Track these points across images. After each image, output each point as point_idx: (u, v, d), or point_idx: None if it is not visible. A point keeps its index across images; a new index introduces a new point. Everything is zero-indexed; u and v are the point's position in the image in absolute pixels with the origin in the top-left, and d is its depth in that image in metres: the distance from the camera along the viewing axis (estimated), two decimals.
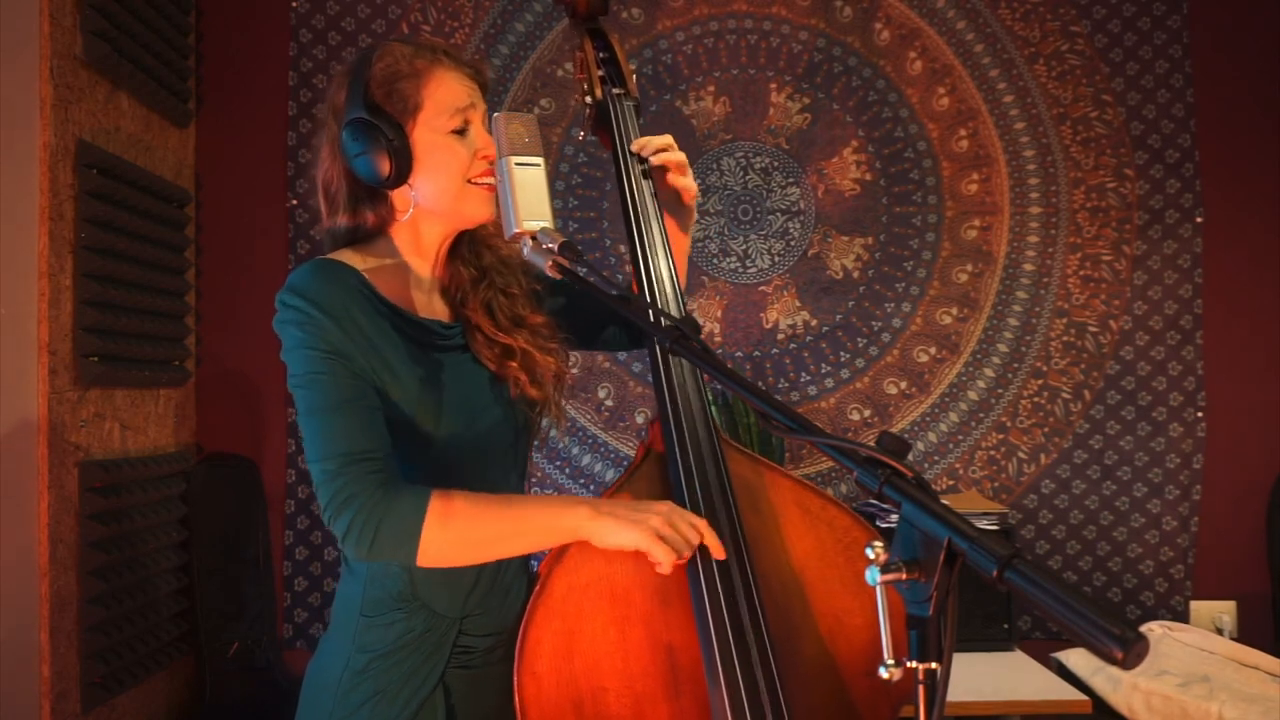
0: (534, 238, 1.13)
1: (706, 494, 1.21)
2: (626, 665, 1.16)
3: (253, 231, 2.81)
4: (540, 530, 1.16)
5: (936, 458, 2.80)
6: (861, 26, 2.84)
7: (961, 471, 2.79)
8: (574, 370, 2.76)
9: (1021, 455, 2.79)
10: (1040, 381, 2.79)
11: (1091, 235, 2.80)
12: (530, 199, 1.15)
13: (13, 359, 2.04)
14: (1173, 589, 2.75)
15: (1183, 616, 2.73)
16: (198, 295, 2.79)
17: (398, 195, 1.26)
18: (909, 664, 0.76)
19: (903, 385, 2.82)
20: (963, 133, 2.83)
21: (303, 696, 1.31)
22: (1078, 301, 2.80)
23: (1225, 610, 2.73)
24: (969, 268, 2.82)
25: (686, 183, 1.39)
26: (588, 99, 1.43)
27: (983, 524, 2.42)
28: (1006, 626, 2.41)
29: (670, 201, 1.41)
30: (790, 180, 2.83)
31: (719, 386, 2.65)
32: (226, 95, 2.82)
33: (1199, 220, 2.80)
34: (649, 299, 1.31)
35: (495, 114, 1.19)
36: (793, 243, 2.83)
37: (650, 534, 1.11)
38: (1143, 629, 2.28)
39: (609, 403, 2.82)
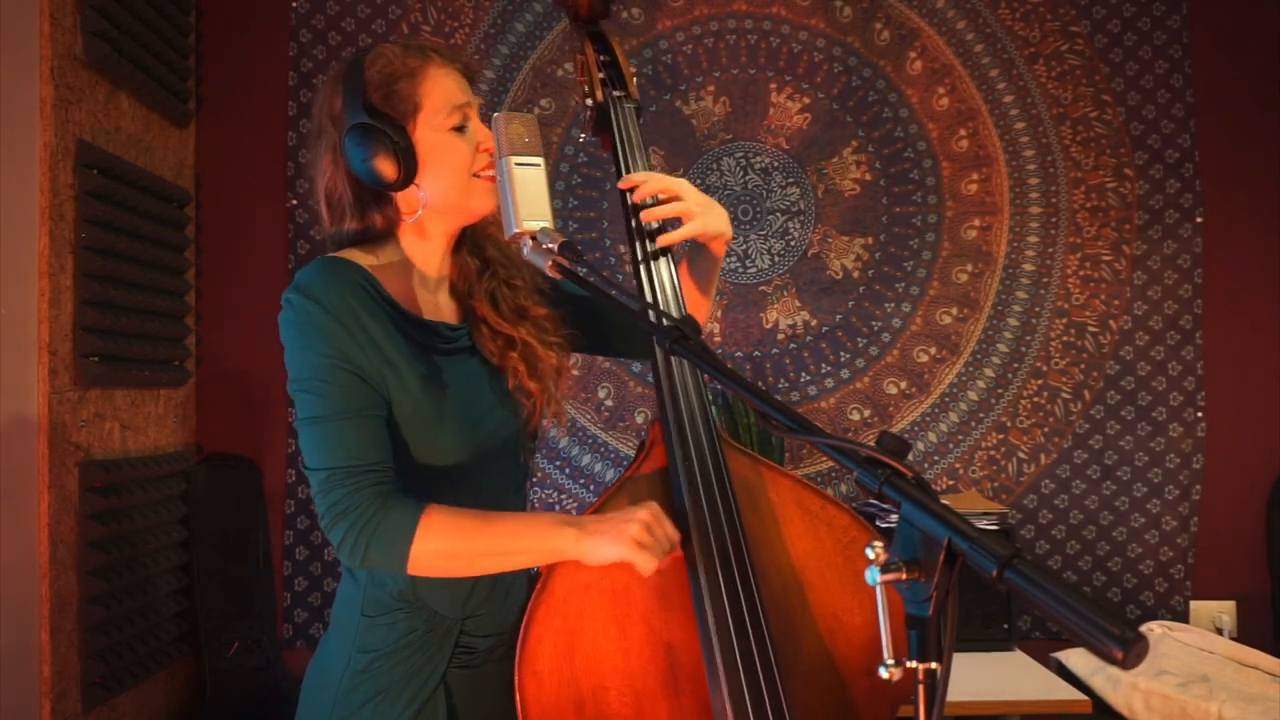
0: (534, 238, 1.13)
1: (708, 493, 1.21)
2: (627, 664, 1.16)
3: (253, 231, 2.81)
4: (528, 550, 1.17)
5: (936, 458, 2.80)
6: (861, 26, 2.84)
7: (961, 471, 2.79)
8: (574, 371, 2.76)
9: (1021, 455, 2.79)
10: (1040, 381, 2.80)
11: (1091, 235, 2.81)
12: (530, 199, 1.15)
13: (13, 359, 2.05)
14: (1173, 589, 2.75)
15: (1182, 616, 2.73)
16: (198, 295, 2.79)
17: (404, 196, 1.26)
18: (909, 664, 0.76)
19: (903, 385, 2.82)
20: (963, 133, 2.83)
21: (303, 697, 1.31)
22: (1078, 301, 2.80)
23: (1225, 610, 2.73)
24: (969, 268, 2.82)
25: (693, 229, 1.31)
26: (588, 101, 1.43)
27: (983, 524, 2.42)
28: (1006, 626, 2.41)
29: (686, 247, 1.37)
30: (790, 180, 2.84)
31: (719, 386, 2.65)
32: (226, 95, 2.82)
33: (1199, 220, 2.80)
34: (649, 300, 1.31)
35: (495, 114, 1.20)
36: (793, 243, 2.83)
37: (629, 543, 1.12)
38: (1143, 629, 2.28)
39: (609, 403, 2.82)
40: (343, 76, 1.25)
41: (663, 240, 1.32)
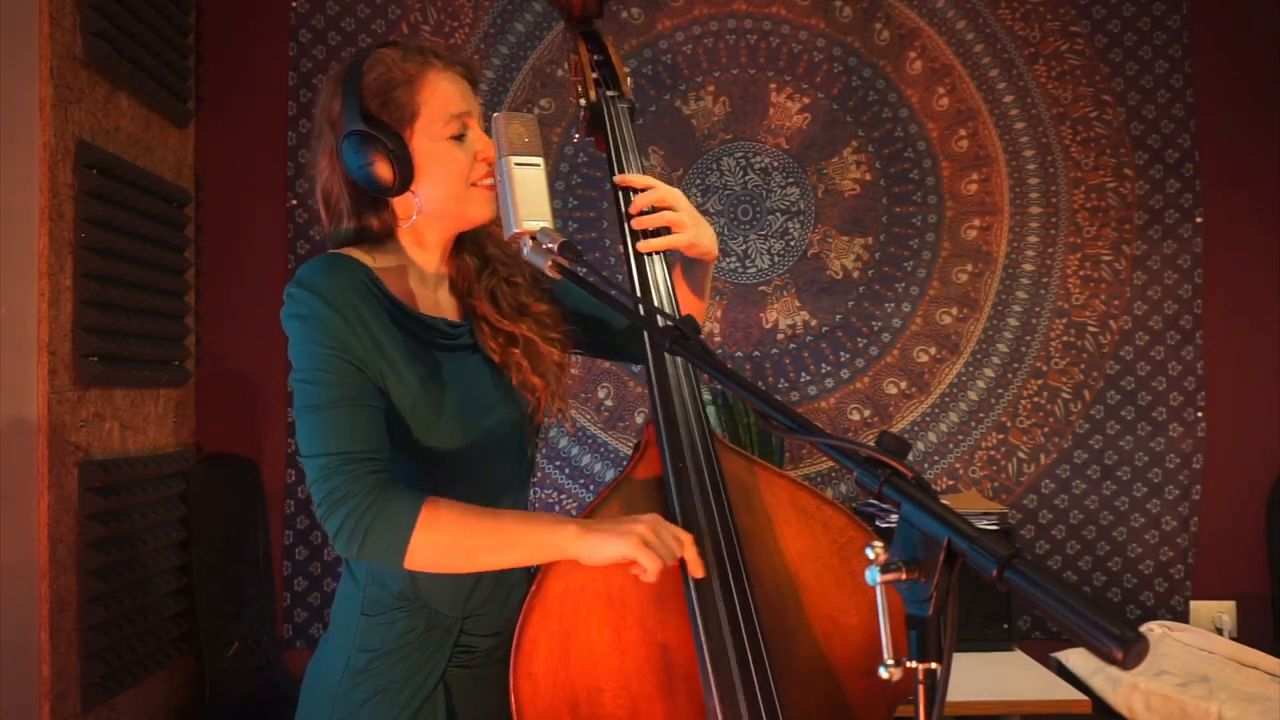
0: (534, 238, 1.13)
1: (702, 494, 1.21)
2: (622, 665, 1.16)
3: (253, 231, 2.81)
4: (528, 546, 1.16)
5: (936, 458, 2.80)
6: (861, 26, 2.84)
7: (961, 471, 2.79)
8: (574, 370, 2.76)
9: (1021, 455, 2.79)
10: (1040, 381, 2.79)
11: (1091, 235, 2.80)
12: (530, 199, 1.15)
13: (13, 359, 2.04)
14: (1173, 589, 2.75)
15: (1183, 616, 2.73)
16: (198, 295, 2.79)
17: (400, 202, 1.27)
18: (909, 664, 0.76)
19: (903, 385, 2.82)
20: (963, 133, 2.83)
21: (303, 696, 1.31)
22: (1078, 301, 2.80)
23: (1225, 610, 2.73)
24: (969, 268, 2.82)
25: (679, 240, 1.32)
26: (581, 101, 1.43)
27: (983, 524, 2.42)
28: (1006, 626, 2.41)
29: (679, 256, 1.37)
30: (790, 180, 2.83)
31: (718, 386, 2.65)
32: (226, 95, 2.82)
33: (1199, 220, 2.80)
34: (644, 301, 1.31)
35: (495, 114, 1.20)
36: (793, 243, 2.83)
37: (636, 541, 1.11)
38: (1142, 629, 2.28)
39: (609, 403, 2.82)
40: (342, 79, 1.25)
41: (651, 245, 1.31)
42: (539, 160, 1.18)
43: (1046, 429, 2.79)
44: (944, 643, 0.75)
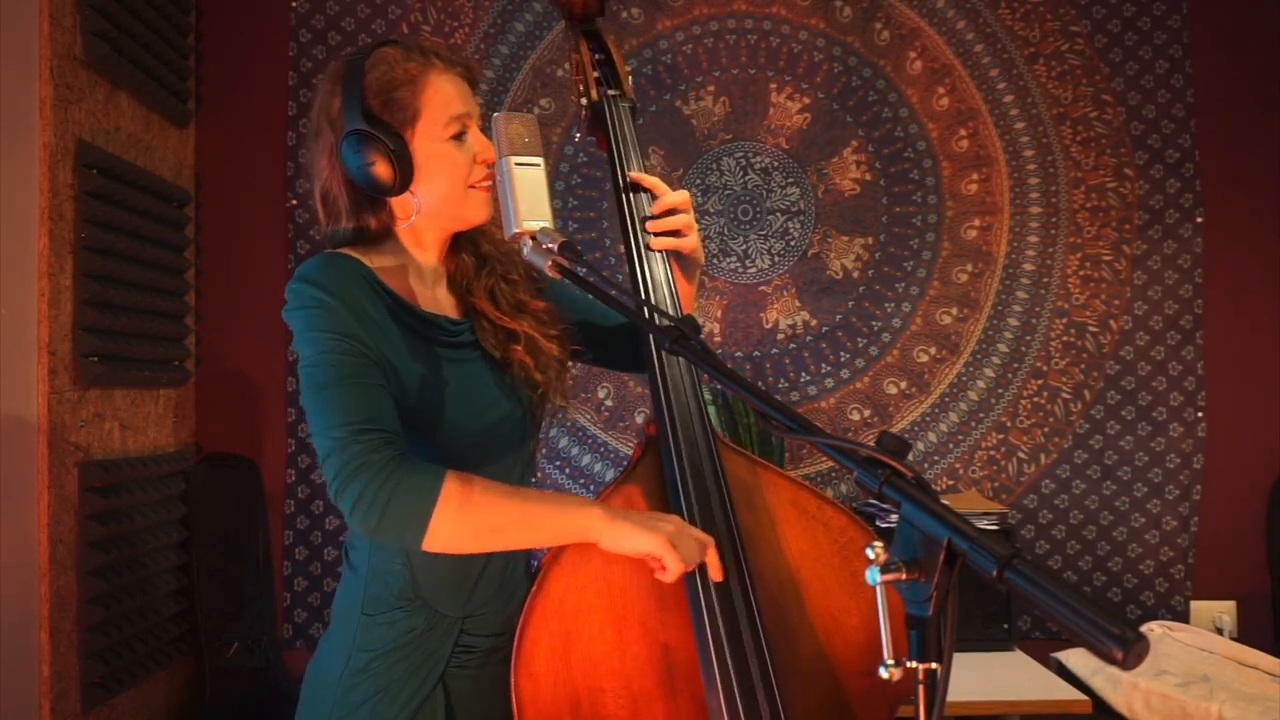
0: (534, 238, 1.13)
1: (702, 494, 1.21)
2: (624, 665, 1.16)
3: (253, 231, 2.81)
4: (552, 527, 1.15)
5: (936, 458, 2.80)
6: (861, 26, 2.84)
7: (961, 471, 2.79)
8: (574, 370, 2.76)
9: (1021, 455, 2.79)
10: (1040, 381, 2.79)
11: (1091, 235, 2.80)
12: (530, 199, 1.15)
13: (13, 359, 2.04)
14: (1173, 589, 2.75)
15: (1183, 616, 2.73)
16: (198, 295, 2.79)
17: (399, 202, 1.27)
18: (909, 664, 0.76)
19: (903, 385, 2.82)
20: (963, 133, 2.83)
21: (303, 696, 1.31)
22: (1078, 301, 2.80)
23: (1225, 610, 2.73)
24: (969, 268, 2.82)
25: (687, 244, 1.36)
26: (583, 100, 1.43)
27: (983, 524, 2.42)
28: (1006, 626, 2.41)
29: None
30: (790, 180, 2.83)
31: (719, 386, 2.65)
32: (226, 95, 2.82)
33: (1199, 220, 2.80)
34: (645, 301, 1.31)
35: (495, 114, 1.20)
36: (793, 243, 2.83)
37: (665, 540, 1.11)
38: (1143, 629, 2.27)
39: (609, 403, 2.82)
40: (342, 78, 1.24)
41: (663, 244, 1.34)
42: (539, 160, 1.18)
43: (1046, 429, 2.79)
44: (944, 643, 0.75)
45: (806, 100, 2.84)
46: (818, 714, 1.19)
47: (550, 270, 1.11)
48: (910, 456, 1.40)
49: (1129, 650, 0.61)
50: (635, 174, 1.37)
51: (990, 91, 2.83)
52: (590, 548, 1.15)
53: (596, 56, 1.46)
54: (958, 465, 2.79)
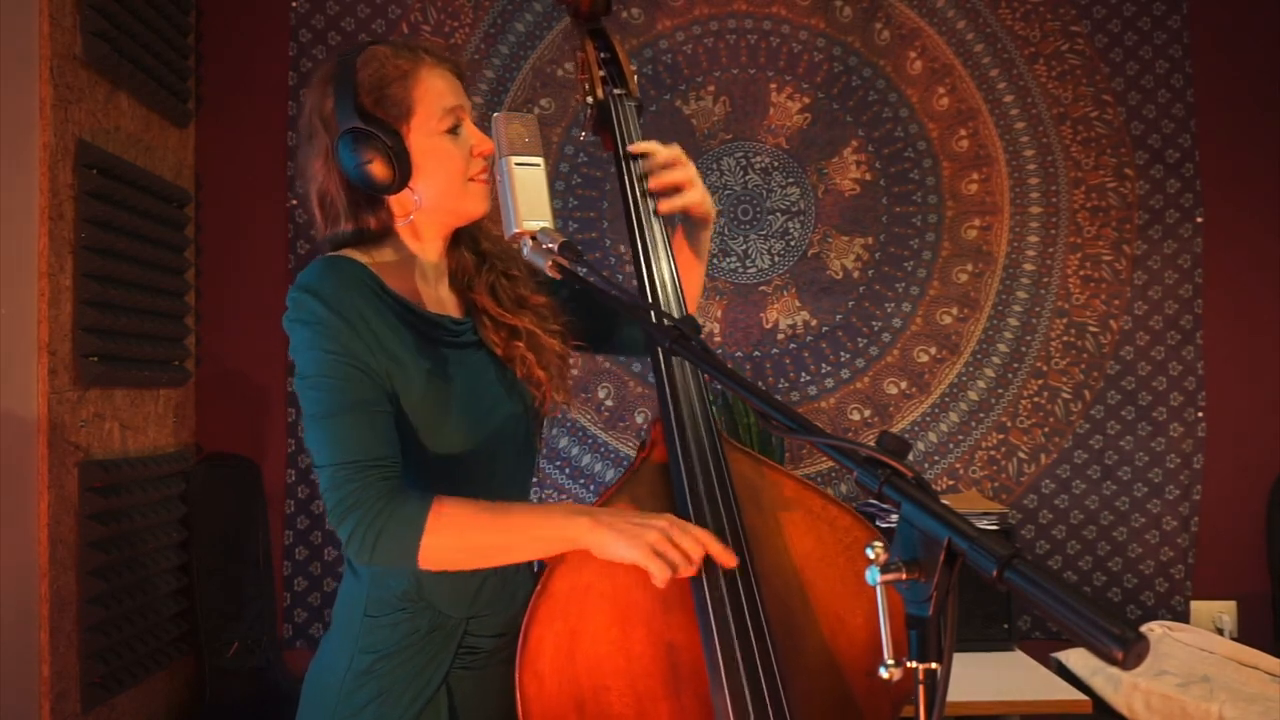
0: (534, 238, 1.13)
1: (709, 493, 1.21)
2: (629, 664, 1.16)
3: (253, 231, 2.81)
4: (539, 539, 1.16)
5: (936, 458, 2.80)
6: (861, 26, 2.84)
7: (961, 471, 2.79)
8: (574, 369, 2.76)
9: (1021, 455, 2.79)
10: (1040, 381, 2.79)
11: (1091, 235, 2.80)
12: (530, 199, 1.15)
13: (13, 359, 2.04)
14: (1173, 589, 2.75)
15: (1183, 616, 2.73)
16: (198, 295, 2.79)
17: (398, 199, 1.26)
18: (909, 664, 0.76)
19: (903, 385, 2.82)
20: (963, 133, 2.83)
21: (304, 697, 1.31)
22: (1078, 301, 2.80)
23: (1225, 610, 2.73)
24: (969, 268, 2.82)
25: (691, 198, 1.34)
26: (589, 99, 1.43)
27: (983, 524, 2.42)
28: (1006, 626, 2.41)
29: (680, 218, 1.39)
30: (790, 180, 2.83)
31: (719, 386, 2.65)
32: (226, 95, 2.82)
33: (1199, 220, 2.80)
34: (650, 300, 1.31)
35: (495, 114, 1.20)
36: (793, 243, 2.83)
37: (646, 549, 1.10)
38: (1143, 629, 2.27)
39: (609, 403, 2.82)
40: (333, 78, 1.24)
41: (670, 205, 1.33)
42: (539, 160, 1.18)
43: (1047, 429, 2.79)
44: (944, 643, 0.75)
45: (806, 100, 2.84)
46: (822, 713, 1.19)
47: (550, 270, 1.11)
48: (910, 456, 1.40)
49: (1129, 650, 0.61)
50: (633, 146, 1.36)
51: (990, 91, 2.83)
52: None
53: (602, 55, 1.46)
54: (958, 465, 2.79)
